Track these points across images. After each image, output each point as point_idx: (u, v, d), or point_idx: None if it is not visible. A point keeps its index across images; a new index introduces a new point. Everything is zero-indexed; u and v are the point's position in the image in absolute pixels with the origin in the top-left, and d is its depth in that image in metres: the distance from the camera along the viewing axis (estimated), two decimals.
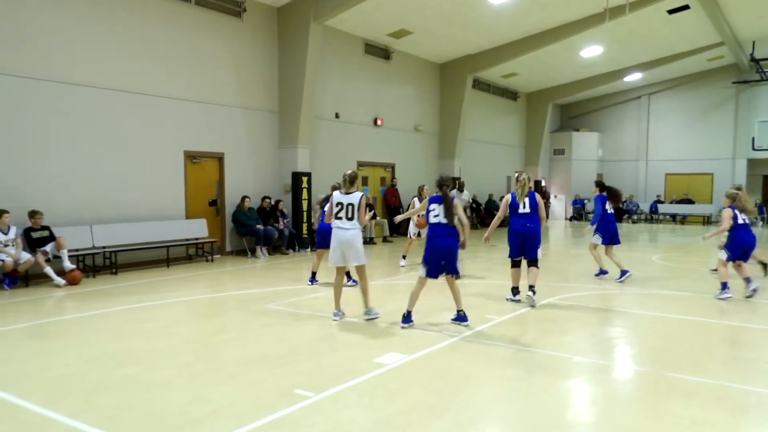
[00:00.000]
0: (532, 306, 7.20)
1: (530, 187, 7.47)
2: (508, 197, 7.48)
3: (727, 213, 7.82)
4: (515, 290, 7.56)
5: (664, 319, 6.77)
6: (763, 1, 16.34)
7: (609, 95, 26.20)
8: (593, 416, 3.97)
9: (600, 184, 9.71)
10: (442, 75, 19.54)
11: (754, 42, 20.52)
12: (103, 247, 10.15)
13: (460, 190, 14.69)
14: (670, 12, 16.42)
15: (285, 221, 13.32)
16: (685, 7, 16.12)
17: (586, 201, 25.60)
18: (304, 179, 13.72)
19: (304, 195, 13.72)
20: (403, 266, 10.76)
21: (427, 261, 6.07)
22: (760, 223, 22.22)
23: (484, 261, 11.94)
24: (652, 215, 25.01)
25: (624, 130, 26.60)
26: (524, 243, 7.37)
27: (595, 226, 9.56)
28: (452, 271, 6.12)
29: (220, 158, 12.65)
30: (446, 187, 6.11)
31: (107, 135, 10.50)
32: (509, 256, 7.55)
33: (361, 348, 5.49)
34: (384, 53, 16.92)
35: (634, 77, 23.21)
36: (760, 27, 18.93)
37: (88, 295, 8.27)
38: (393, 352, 5.18)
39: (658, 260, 12.51)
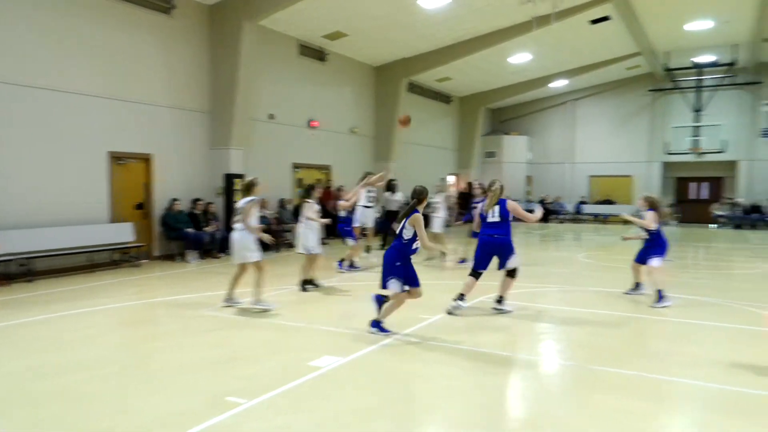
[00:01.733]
0: (450, 313, 6.87)
1: (507, 196, 7.15)
2: (480, 206, 7.28)
3: (653, 216, 7.84)
4: (462, 296, 7.04)
5: (589, 315, 7.10)
6: (675, 16, 17.49)
7: (538, 100, 27.23)
8: (525, 410, 4.12)
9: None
10: (378, 77, 19.67)
11: (668, 53, 21.92)
12: (18, 254, 9.50)
13: (393, 191, 14.77)
14: (593, 22, 17.27)
15: (216, 224, 12.97)
16: (606, 18, 17.02)
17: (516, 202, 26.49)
18: (237, 181, 13.40)
19: (237, 197, 13.38)
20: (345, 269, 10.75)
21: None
22: (675, 222, 23.74)
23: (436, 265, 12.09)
24: (577, 215, 26.20)
25: (552, 134, 27.73)
26: (494, 254, 7.02)
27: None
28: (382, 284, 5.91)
29: (147, 159, 12.14)
30: (417, 201, 5.95)
31: (24, 134, 9.85)
32: (473, 268, 7.14)
33: (296, 352, 5.43)
34: (319, 55, 16.83)
35: (560, 83, 24.24)
36: (673, 39, 20.25)
37: (1, 304, 7.72)
38: (328, 355, 5.16)
39: (583, 259, 13.11)
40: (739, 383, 4.55)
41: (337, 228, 10.90)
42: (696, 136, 23.23)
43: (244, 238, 7.08)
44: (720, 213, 23.06)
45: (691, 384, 4.58)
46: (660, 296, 7.46)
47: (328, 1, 13.54)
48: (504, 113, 28.33)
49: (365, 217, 11.84)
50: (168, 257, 12.33)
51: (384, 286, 5.82)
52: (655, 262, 7.69)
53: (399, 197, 14.81)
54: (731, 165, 23.78)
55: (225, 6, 12.98)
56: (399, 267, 5.76)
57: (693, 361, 5.14)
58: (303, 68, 16.23)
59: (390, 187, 14.91)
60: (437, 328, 6.31)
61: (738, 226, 22.31)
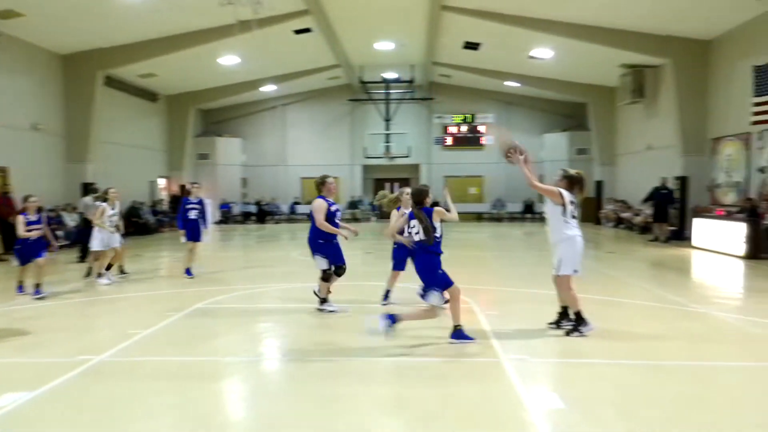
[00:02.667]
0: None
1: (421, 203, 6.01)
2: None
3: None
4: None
5: (306, 310, 7.51)
6: (365, 35, 19.69)
7: (250, 103, 27.50)
8: (244, 412, 4.15)
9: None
10: (67, 68, 17.22)
11: (361, 67, 24.54)
12: None
13: (99, 199, 13.14)
14: (297, 32, 18.25)
15: None
16: (308, 30, 18.17)
17: (232, 205, 26.34)
18: None
19: None
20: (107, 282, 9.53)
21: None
22: (374, 219, 26.73)
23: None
24: (292, 215, 27.42)
25: (265, 137, 28.35)
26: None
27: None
28: (423, 295, 5.60)
29: None
30: (418, 202, 5.67)
31: None
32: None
33: None
34: None
35: (269, 88, 24.95)
36: (365, 55, 22.73)
37: None
38: (10, 393, 4.34)
39: (298, 256, 13.79)
40: (414, 354, 5.40)
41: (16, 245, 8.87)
42: (388, 142, 26.57)
43: None
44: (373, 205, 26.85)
45: (395, 360, 5.25)
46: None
47: None
48: (217, 114, 27.82)
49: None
50: None
51: (425, 298, 5.54)
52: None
53: (101, 203, 13.27)
54: (416, 167, 27.92)
55: None
56: (441, 274, 5.56)
57: (393, 340, 5.90)
58: None
59: (90, 192, 13.28)
60: (151, 342, 5.88)
61: None
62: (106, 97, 18.73)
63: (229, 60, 20.24)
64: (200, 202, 10.30)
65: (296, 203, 27.78)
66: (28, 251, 8.47)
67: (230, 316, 7.21)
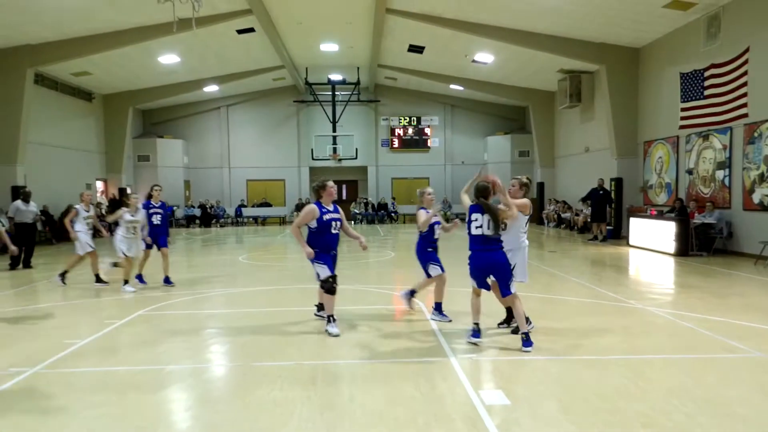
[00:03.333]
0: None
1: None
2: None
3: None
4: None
5: (252, 314, 7.38)
6: (310, 36, 19.57)
7: (192, 104, 26.80)
8: (187, 422, 4.04)
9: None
10: None
11: (307, 68, 24.38)
12: None
13: (26, 201, 12.49)
14: (239, 32, 17.93)
15: None
16: (251, 30, 17.89)
17: (175, 208, 25.56)
18: None
19: None
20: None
21: (473, 276, 5.71)
22: None
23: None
24: (238, 219, 26.88)
25: (208, 139, 27.70)
26: None
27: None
28: (505, 290, 5.54)
29: None
30: (484, 196, 5.60)
31: None
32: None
33: None
34: None
35: (212, 89, 24.40)
36: (310, 56, 22.60)
37: None
38: None
39: (244, 260, 13.54)
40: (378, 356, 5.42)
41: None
42: (335, 144, 26.49)
43: None
44: (356, 211, 26.89)
45: (344, 363, 5.25)
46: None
47: None
48: (157, 115, 26.97)
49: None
50: None
51: (508, 292, 5.57)
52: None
53: (33, 207, 12.63)
54: (363, 170, 27.97)
55: None
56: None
57: (340, 343, 5.89)
58: None
59: (22, 196, 12.60)
60: (88, 352, 5.62)
61: (371, 222, 26.45)
62: (37, 96, 17.82)
63: (169, 59, 19.67)
64: (162, 206, 9.77)
65: (242, 206, 27.28)
66: None
67: (173, 322, 7.00)
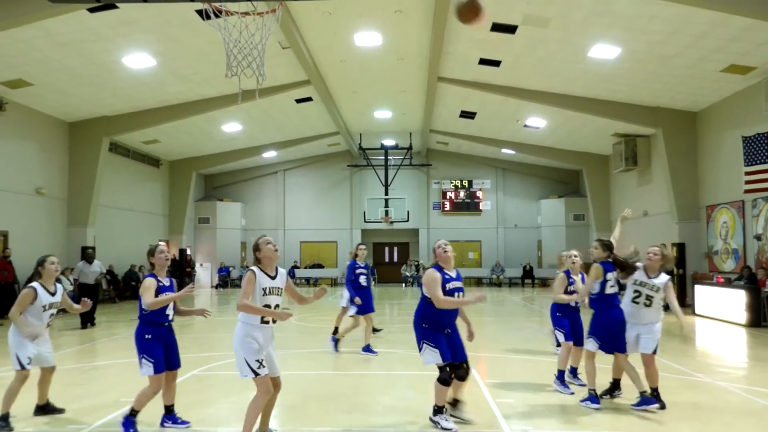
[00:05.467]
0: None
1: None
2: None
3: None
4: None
5: (299, 377, 7.35)
6: (364, 104, 20.34)
7: (251, 168, 27.99)
8: None
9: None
10: (73, 135, 17.66)
11: (360, 134, 25.18)
12: None
13: (90, 261, 13.12)
14: (298, 101, 18.86)
15: None
16: (309, 99, 18.78)
17: (231, 268, 26.26)
18: None
19: None
20: None
21: (598, 335, 5.78)
22: (373, 283, 26.62)
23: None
24: (291, 279, 27.26)
25: (264, 201, 28.66)
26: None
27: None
28: (621, 347, 5.74)
29: None
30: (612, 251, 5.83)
31: None
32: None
33: None
34: None
35: (270, 154, 25.47)
36: (364, 123, 23.38)
37: None
38: None
39: (296, 322, 13.61)
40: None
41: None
42: (387, 207, 26.83)
43: None
44: (407, 273, 26.79)
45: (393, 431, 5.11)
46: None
47: (5, 45, 11.81)
48: (217, 179, 28.25)
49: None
50: None
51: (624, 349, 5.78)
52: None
53: (96, 267, 13.24)
54: (414, 232, 28.07)
55: None
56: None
57: (387, 409, 5.75)
58: None
59: (85, 256, 13.28)
60: (142, 412, 5.71)
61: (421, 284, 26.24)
62: (110, 163, 19.08)
63: (231, 127, 20.79)
64: (366, 267, 9.20)
65: (295, 267, 27.71)
66: None
67: (225, 382, 7.05)
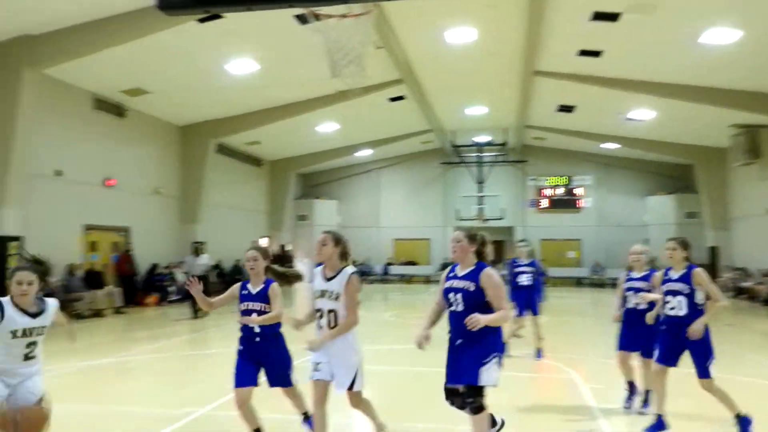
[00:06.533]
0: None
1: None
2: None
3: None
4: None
5: (396, 372, 7.42)
6: (457, 101, 20.13)
7: (346, 167, 28.68)
8: None
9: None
10: (184, 137, 19.01)
11: (454, 131, 24.96)
12: None
13: (197, 254, 14.17)
14: (391, 100, 19.04)
15: None
16: (402, 98, 18.91)
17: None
18: (12, 244, 11.61)
19: (10, 263, 11.56)
20: None
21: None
22: None
23: None
24: (385, 276, 27.64)
25: (359, 199, 29.25)
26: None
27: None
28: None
29: None
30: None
31: None
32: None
33: None
34: (117, 110, 15.75)
35: (365, 153, 25.95)
36: (457, 120, 23.16)
37: None
38: None
39: (390, 318, 13.78)
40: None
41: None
42: (480, 204, 26.42)
43: None
44: (501, 272, 26.22)
45: None
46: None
47: (126, 57, 12.90)
48: (314, 178, 29.21)
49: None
50: None
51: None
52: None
53: (204, 260, 14.19)
54: (509, 230, 27.42)
55: (0, 51, 11.56)
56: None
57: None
58: (99, 123, 15.03)
59: (194, 250, 14.32)
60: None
61: None
62: (217, 163, 20.32)
63: (327, 127, 21.40)
64: (533, 264, 8.42)
65: (389, 264, 28.06)
66: None
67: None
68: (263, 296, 4.30)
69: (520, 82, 17.27)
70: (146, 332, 9.60)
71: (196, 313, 13.22)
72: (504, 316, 3.85)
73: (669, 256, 5.04)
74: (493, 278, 3.90)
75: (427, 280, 27.36)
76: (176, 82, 15.02)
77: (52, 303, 3.89)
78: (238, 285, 4.41)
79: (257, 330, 4.29)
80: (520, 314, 8.17)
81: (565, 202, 27.12)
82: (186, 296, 13.84)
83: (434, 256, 28.14)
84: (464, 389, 3.79)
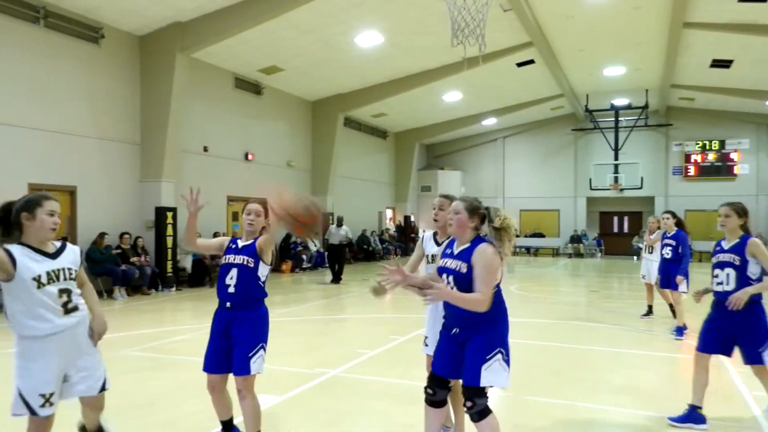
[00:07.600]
0: None
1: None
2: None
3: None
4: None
5: (523, 346, 7.26)
6: (593, 62, 18.76)
7: (470, 137, 28.20)
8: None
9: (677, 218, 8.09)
10: (314, 112, 19.81)
11: (587, 95, 23.37)
12: None
13: (339, 225, 14.91)
14: (519, 65, 18.23)
15: (146, 259, 12.45)
16: (531, 62, 18.01)
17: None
18: (169, 215, 13.00)
19: (169, 231, 12.97)
20: None
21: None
22: (599, 255, 24.99)
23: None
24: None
25: (484, 170, 28.69)
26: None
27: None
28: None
29: (71, 192, 11.58)
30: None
31: None
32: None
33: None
34: (255, 88, 16.80)
35: (490, 121, 25.27)
36: (591, 82, 21.64)
37: None
38: (263, 394, 5.00)
39: (515, 290, 13.48)
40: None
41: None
42: (616, 173, 24.65)
43: None
44: (639, 245, 24.43)
45: (616, 410, 4.77)
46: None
47: (262, 38, 13.62)
48: (438, 149, 29.11)
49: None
50: None
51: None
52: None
53: (344, 232, 14.86)
54: (649, 200, 25.35)
55: (156, 37, 12.77)
56: None
57: (619, 388, 5.35)
58: (238, 101, 16.14)
59: (336, 221, 15.15)
60: (376, 363, 6.26)
61: None
62: (345, 136, 20.97)
63: (451, 96, 21.09)
64: (677, 237, 7.74)
65: (515, 236, 27.37)
66: None
67: None
68: (251, 251, 3.80)
69: (667, 36, 15.64)
70: (294, 295, 10.41)
71: (336, 279, 13.98)
72: (475, 299, 3.12)
73: (721, 224, 4.40)
74: (485, 255, 3.23)
75: (556, 252, 26.34)
76: (307, 59, 15.60)
77: (74, 248, 3.24)
78: (227, 238, 4.01)
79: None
80: (662, 287, 8.18)
81: (717, 169, 24.45)
82: (319, 264, 14.62)
83: (564, 227, 26.95)
84: (463, 390, 3.21)
